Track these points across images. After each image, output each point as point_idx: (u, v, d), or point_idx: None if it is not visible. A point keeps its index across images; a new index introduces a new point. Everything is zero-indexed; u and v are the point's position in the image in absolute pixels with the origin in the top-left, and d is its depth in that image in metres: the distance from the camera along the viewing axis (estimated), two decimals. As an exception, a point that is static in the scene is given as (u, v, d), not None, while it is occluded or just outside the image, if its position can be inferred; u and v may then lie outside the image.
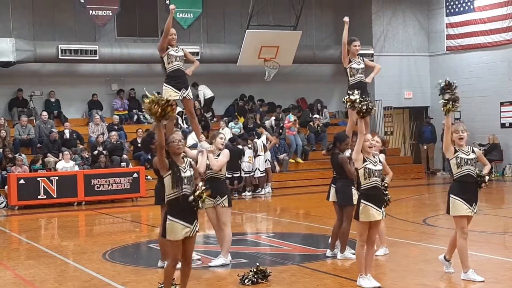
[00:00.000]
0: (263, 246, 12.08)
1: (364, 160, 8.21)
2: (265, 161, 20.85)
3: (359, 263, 8.30)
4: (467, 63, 25.59)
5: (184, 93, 10.00)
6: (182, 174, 7.17)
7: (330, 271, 9.33)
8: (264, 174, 20.78)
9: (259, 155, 20.63)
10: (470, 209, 8.40)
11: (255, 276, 8.62)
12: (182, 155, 7.38)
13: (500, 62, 24.38)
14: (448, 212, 8.54)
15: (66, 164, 19.55)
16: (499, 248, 11.12)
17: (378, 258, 9.92)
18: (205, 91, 24.41)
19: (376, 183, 8.22)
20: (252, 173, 20.62)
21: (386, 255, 10.13)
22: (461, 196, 8.39)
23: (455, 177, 8.47)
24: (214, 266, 9.79)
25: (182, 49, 10.10)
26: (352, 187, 9.61)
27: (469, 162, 8.39)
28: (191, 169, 7.32)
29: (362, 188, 8.25)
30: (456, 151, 8.43)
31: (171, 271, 7.41)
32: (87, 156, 20.69)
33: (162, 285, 7.78)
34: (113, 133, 21.51)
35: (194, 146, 18.65)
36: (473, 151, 8.52)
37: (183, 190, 7.16)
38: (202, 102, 24.19)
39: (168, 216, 7.21)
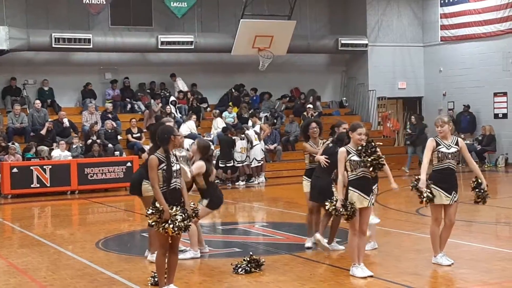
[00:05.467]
0: (256, 235, 12.09)
1: (348, 153, 8.26)
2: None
3: (352, 253, 8.32)
4: (461, 54, 25.59)
5: None
6: (173, 168, 7.36)
7: (323, 260, 9.35)
8: (261, 163, 20.76)
9: (256, 145, 20.57)
10: (449, 197, 8.54)
11: (249, 265, 8.64)
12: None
13: (494, 53, 24.37)
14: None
15: (62, 153, 19.51)
16: (491, 238, 11.17)
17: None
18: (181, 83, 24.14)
19: (363, 173, 8.24)
20: (246, 163, 20.57)
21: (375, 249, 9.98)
22: (440, 185, 8.55)
23: (435, 168, 8.62)
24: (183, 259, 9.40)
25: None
26: (333, 185, 9.63)
27: (450, 156, 8.56)
28: (177, 162, 7.52)
29: (349, 179, 8.29)
30: (438, 144, 8.54)
31: (162, 259, 7.48)
32: (80, 145, 20.66)
33: (155, 274, 7.80)
34: (108, 121, 21.47)
35: (189, 137, 18.76)
36: (456, 143, 8.63)
37: (173, 184, 7.33)
38: (185, 89, 23.95)
39: (157, 205, 7.30)
